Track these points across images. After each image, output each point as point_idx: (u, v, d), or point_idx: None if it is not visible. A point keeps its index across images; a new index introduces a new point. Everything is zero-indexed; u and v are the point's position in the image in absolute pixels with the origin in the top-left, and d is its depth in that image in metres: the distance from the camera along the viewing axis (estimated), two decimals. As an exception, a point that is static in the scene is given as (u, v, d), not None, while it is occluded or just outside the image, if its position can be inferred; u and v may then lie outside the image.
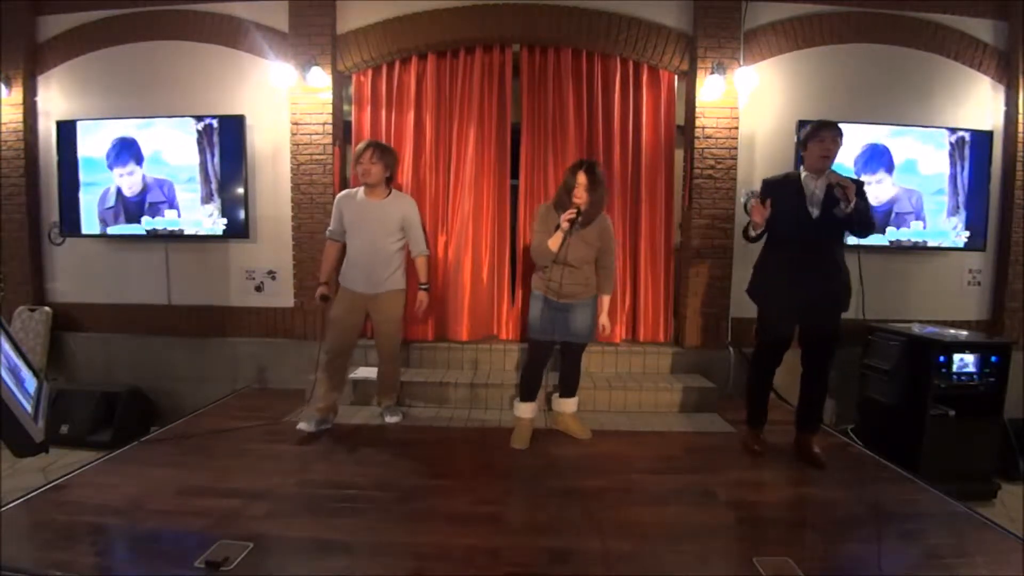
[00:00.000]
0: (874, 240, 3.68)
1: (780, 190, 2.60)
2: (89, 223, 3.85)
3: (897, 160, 3.69)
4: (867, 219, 2.49)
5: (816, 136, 2.52)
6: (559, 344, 2.88)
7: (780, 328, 2.69)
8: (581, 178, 2.58)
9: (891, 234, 3.72)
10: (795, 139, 3.49)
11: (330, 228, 3.06)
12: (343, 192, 3.06)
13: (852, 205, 2.38)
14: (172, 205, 3.79)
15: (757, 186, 2.79)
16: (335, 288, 3.07)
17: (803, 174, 2.62)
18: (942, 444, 2.99)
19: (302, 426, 2.87)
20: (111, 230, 3.84)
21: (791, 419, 2.85)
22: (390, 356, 3.11)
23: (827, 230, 2.53)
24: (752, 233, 2.63)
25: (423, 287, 3.08)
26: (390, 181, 3.02)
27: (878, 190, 3.70)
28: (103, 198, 3.82)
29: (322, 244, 3.68)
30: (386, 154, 2.94)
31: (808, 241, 2.54)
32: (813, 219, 2.54)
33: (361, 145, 2.94)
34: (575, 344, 2.89)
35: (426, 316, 3.41)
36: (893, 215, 3.73)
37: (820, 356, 2.68)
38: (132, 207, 3.82)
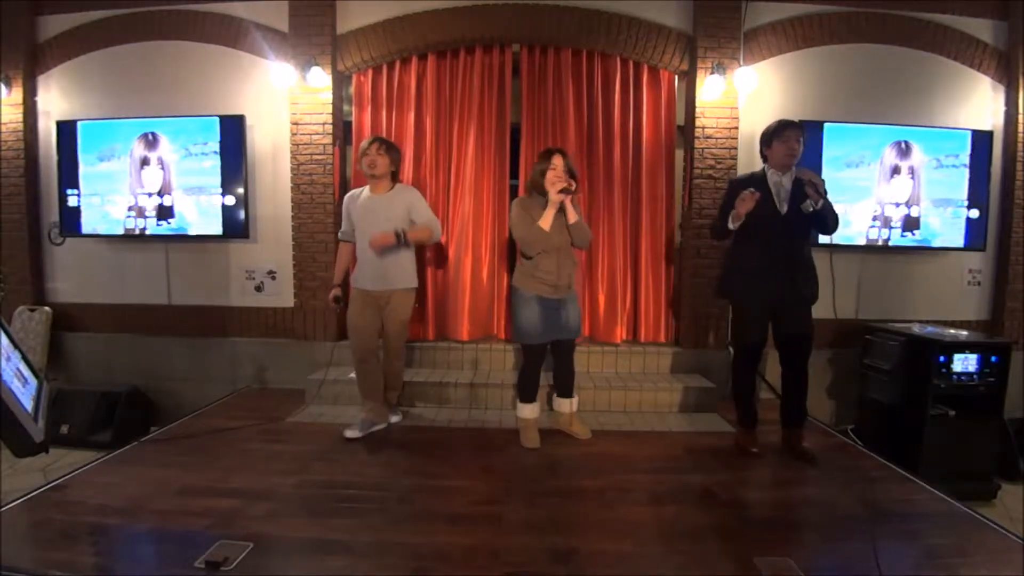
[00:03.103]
0: (873, 239, 3.71)
1: (747, 188, 2.63)
2: (91, 223, 3.85)
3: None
4: (833, 215, 2.56)
5: (781, 135, 2.58)
6: (550, 343, 2.88)
7: (755, 327, 2.72)
8: (558, 160, 2.69)
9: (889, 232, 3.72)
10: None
11: (342, 229, 3.08)
12: (349, 193, 3.06)
13: (821, 202, 2.44)
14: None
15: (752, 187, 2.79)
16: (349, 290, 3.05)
17: (768, 171, 2.66)
18: (942, 444, 2.99)
19: (349, 433, 2.86)
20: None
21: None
22: (395, 354, 3.08)
23: (795, 226, 2.59)
24: (731, 226, 2.62)
25: (400, 232, 2.80)
26: (395, 177, 3.01)
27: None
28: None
29: (322, 244, 3.71)
30: (392, 149, 2.96)
31: (777, 237, 2.59)
32: (781, 215, 2.59)
33: (367, 140, 2.96)
34: (568, 341, 2.89)
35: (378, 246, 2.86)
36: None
37: (797, 354, 2.71)
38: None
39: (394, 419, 3.14)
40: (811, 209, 2.47)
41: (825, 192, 2.56)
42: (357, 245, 2.99)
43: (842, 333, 3.66)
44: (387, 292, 2.93)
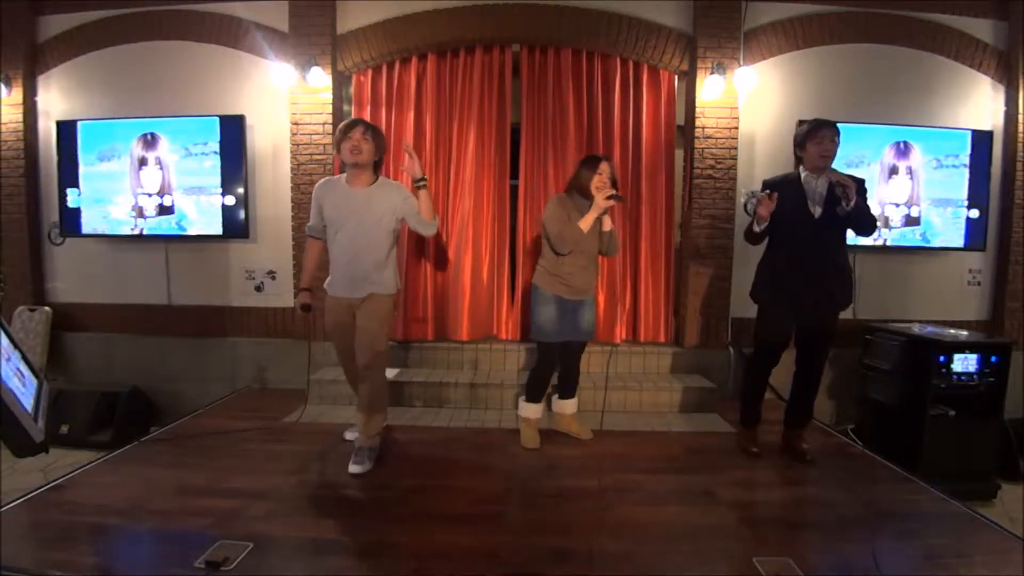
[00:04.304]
0: (873, 239, 3.70)
1: (781, 190, 2.57)
2: (91, 223, 3.84)
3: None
4: (867, 217, 2.50)
5: (815, 136, 2.51)
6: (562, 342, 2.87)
7: (780, 328, 2.68)
8: (604, 167, 2.67)
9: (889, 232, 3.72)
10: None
11: (309, 223, 2.65)
12: (323, 180, 2.64)
13: (853, 203, 2.39)
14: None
15: (757, 186, 2.79)
16: (323, 294, 2.65)
17: (803, 173, 2.61)
18: (942, 444, 2.99)
19: (349, 435, 2.71)
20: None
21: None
22: (368, 364, 2.51)
23: (829, 229, 2.53)
24: (757, 229, 2.57)
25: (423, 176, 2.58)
26: (378, 168, 2.62)
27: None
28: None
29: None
30: (377, 135, 2.55)
31: (810, 240, 2.53)
32: (815, 218, 2.54)
33: (347, 121, 2.52)
34: (579, 343, 2.90)
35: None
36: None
37: (816, 355, 2.69)
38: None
39: (357, 468, 2.48)
40: (844, 212, 2.42)
41: (865, 192, 2.53)
42: (330, 244, 2.57)
43: (842, 333, 3.62)
44: (363, 297, 2.55)
